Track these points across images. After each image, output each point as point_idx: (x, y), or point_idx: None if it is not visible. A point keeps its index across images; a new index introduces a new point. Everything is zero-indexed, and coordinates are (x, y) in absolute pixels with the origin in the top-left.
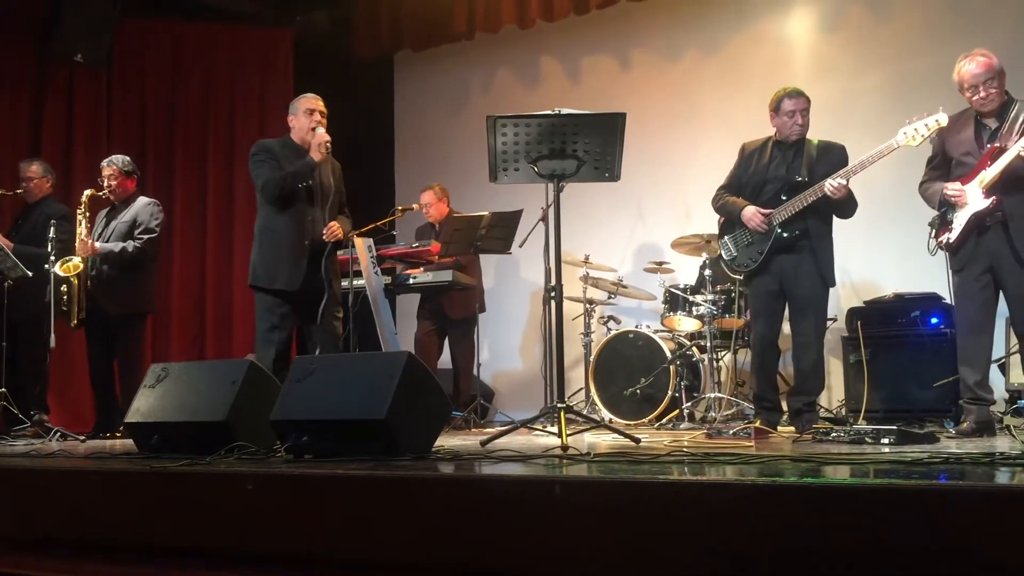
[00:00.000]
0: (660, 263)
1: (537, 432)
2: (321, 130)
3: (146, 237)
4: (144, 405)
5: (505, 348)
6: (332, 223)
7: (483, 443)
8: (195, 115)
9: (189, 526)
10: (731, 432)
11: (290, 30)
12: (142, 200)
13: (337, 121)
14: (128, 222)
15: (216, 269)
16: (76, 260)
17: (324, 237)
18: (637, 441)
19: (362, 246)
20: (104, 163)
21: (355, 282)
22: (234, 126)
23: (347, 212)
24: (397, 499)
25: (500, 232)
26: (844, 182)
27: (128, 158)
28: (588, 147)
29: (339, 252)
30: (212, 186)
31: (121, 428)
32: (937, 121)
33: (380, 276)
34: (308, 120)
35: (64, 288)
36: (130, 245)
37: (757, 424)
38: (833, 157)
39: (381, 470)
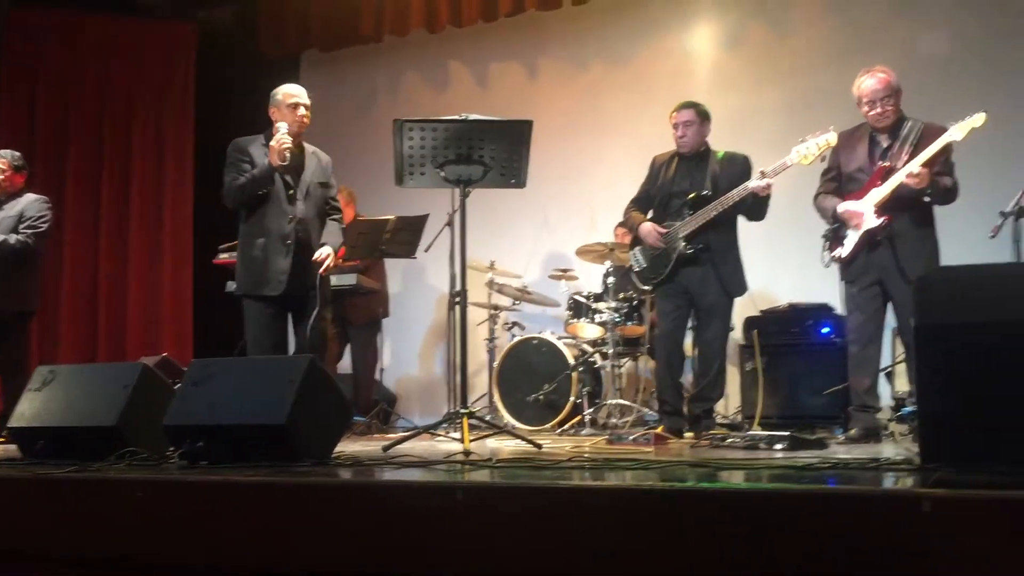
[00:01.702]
0: (564, 270)
1: (440, 438)
2: (282, 135)
3: (31, 231)
4: (29, 409)
5: (409, 353)
6: (322, 251)
7: (385, 449)
8: (90, 110)
9: (76, 535)
10: (631, 438)
11: (193, 25)
12: (30, 196)
13: (240, 120)
14: (14, 216)
15: (110, 269)
16: None
17: (319, 270)
18: (539, 447)
19: None
20: None
21: None
22: (132, 122)
23: (337, 217)
24: (295, 506)
25: (405, 236)
26: (771, 180)
27: (19, 153)
28: (494, 153)
29: None
30: (107, 184)
31: (4, 433)
32: (827, 140)
33: None
34: (292, 114)
35: None
36: (12, 238)
37: (659, 430)
38: (736, 168)
39: (279, 476)
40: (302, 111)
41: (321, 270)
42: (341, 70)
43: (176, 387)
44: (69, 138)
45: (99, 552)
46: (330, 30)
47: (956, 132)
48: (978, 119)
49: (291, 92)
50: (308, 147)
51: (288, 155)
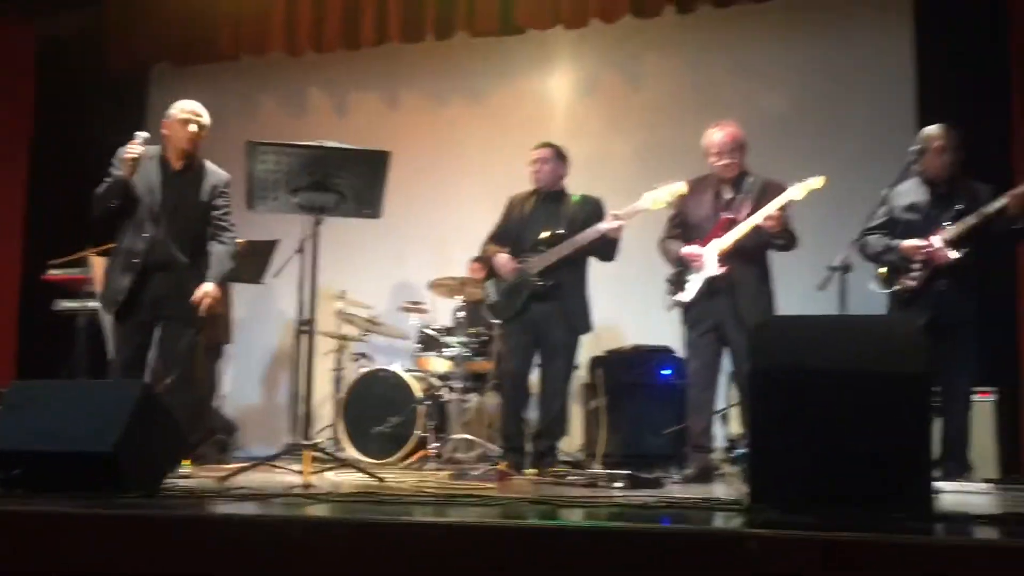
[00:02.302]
0: (416, 303)
1: (279, 470)
2: (132, 145)
3: None
4: None
5: (252, 380)
6: (199, 291)
7: (221, 480)
8: None
9: None
10: (475, 474)
11: (31, 28)
12: None
13: (82, 135)
14: None
15: None
16: None
17: (200, 312)
18: (382, 481)
19: (100, 265)
20: None
21: (89, 304)
22: None
23: (225, 238)
24: (121, 540)
25: (253, 261)
26: (623, 221)
27: None
28: (351, 182)
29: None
30: None
31: None
32: (678, 189)
33: None
34: (183, 130)
35: None
36: None
37: (503, 466)
38: (590, 210)
39: (104, 508)
40: (193, 128)
41: (200, 312)
42: (194, 87)
43: None
44: None
45: None
46: (184, 44)
47: (796, 192)
48: (817, 181)
49: (185, 107)
50: (207, 166)
51: (134, 165)
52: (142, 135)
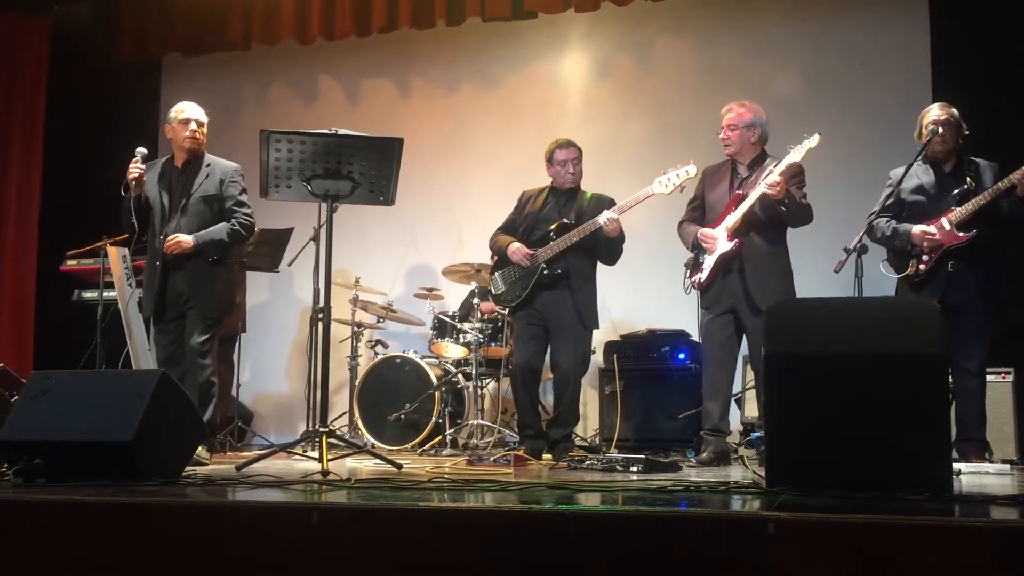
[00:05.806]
0: (430, 289)
1: (297, 457)
2: (132, 164)
3: None
4: None
5: (268, 368)
6: (175, 235)
7: (239, 467)
8: None
9: None
10: (492, 459)
11: (46, 20)
12: None
13: (96, 125)
14: None
15: None
16: None
17: (165, 249)
18: (399, 467)
19: (116, 256)
20: None
21: (107, 294)
22: None
23: (236, 220)
24: (141, 528)
25: (268, 250)
26: (616, 216)
27: None
28: (364, 169)
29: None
30: None
31: None
32: (687, 172)
33: (134, 288)
34: (183, 130)
35: None
36: None
37: (521, 452)
38: (603, 208)
39: (123, 496)
40: (193, 126)
41: (166, 248)
42: (205, 77)
43: (14, 400)
44: None
45: None
46: (195, 34)
47: (795, 153)
48: (813, 140)
49: (181, 108)
50: (209, 159)
51: (139, 184)
52: (141, 152)
